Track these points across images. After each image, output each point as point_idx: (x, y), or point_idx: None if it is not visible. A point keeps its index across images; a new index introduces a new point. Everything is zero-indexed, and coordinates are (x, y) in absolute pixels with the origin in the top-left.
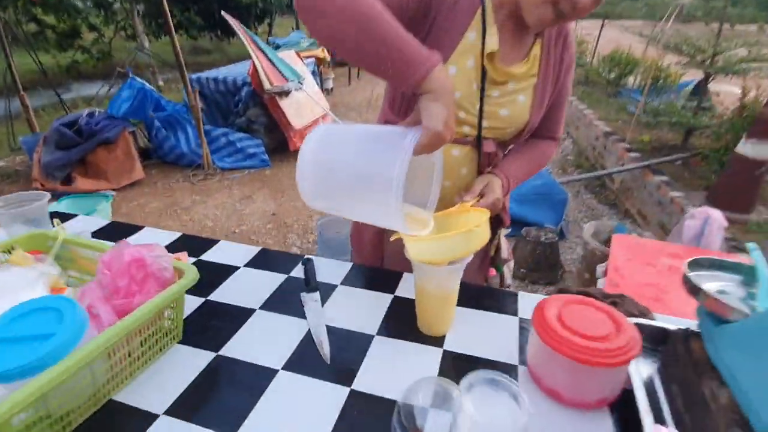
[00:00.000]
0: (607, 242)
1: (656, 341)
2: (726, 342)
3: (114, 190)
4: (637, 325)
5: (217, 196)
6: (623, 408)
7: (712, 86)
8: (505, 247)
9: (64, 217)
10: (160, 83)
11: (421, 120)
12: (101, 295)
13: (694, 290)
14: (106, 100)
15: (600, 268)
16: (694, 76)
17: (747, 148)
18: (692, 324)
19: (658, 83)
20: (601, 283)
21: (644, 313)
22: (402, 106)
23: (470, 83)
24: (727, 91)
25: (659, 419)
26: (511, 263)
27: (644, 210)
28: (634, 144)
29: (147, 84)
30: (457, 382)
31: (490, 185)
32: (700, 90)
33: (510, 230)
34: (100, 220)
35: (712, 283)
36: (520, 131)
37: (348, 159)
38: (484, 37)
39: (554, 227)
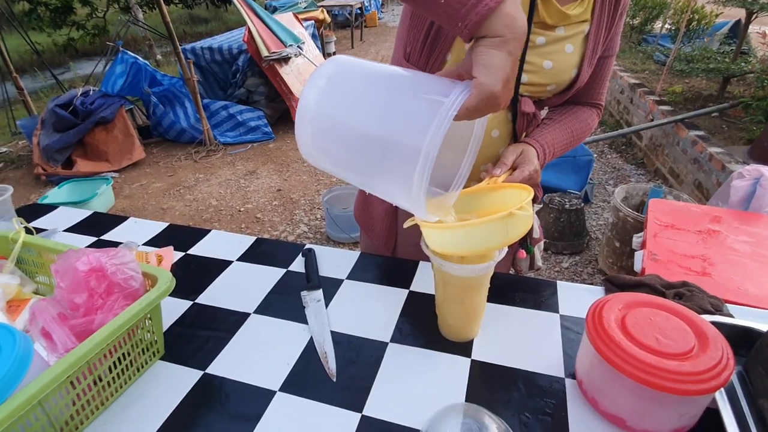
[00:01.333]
0: (638, 207)
1: (736, 342)
2: None
3: (116, 171)
4: (714, 324)
5: (220, 173)
6: (700, 429)
7: (754, 26)
8: (537, 225)
9: (47, 209)
10: (159, 57)
11: (471, 72)
12: (56, 315)
13: None
14: (103, 77)
15: (637, 239)
16: (729, 16)
17: None
18: None
19: (691, 26)
20: (638, 256)
21: (717, 307)
22: (422, 55)
23: None
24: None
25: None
26: (542, 243)
27: (677, 168)
28: (665, 96)
29: (139, 58)
30: (490, 402)
31: (524, 155)
32: (737, 31)
33: (540, 204)
34: (83, 212)
35: None
36: (562, 90)
37: (361, 111)
38: None
39: (578, 192)
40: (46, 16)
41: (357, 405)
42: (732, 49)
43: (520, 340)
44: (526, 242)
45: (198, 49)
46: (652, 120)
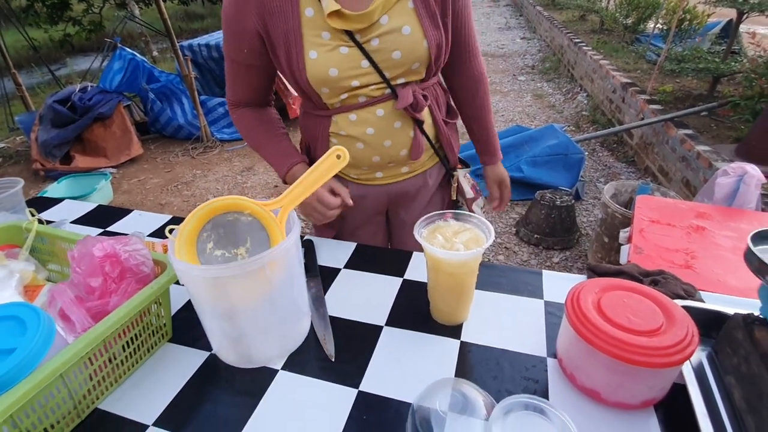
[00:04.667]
0: (627, 204)
1: (707, 325)
2: None
3: (114, 167)
4: (685, 308)
5: (217, 169)
6: (670, 402)
7: (744, 26)
8: (469, 187)
9: (53, 201)
10: (155, 53)
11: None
12: (73, 297)
13: (761, 270)
14: (100, 74)
15: (623, 234)
16: (722, 16)
17: None
18: (748, 304)
19: (682, 26)
20: (624, 250)
21: (690, 293)
22: (306, 98)
23: (337, 51)
24: (763, 32)
25: (713, 416)
26: (480, 200)
27: (666, 167)
28: (656, 95)
29: (137, 54)
30: (477, 379)
31: (502, 182)
32: (729, 31)
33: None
34: (88, 204)
35: None
36: (430, 61)
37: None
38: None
39: (570, 188)
40: (42, 12)
41: (354, 382)
42: (723, 49)
43: (507, 323)
44: (457, 203)
45: (195, 46)
46: (642, 119)
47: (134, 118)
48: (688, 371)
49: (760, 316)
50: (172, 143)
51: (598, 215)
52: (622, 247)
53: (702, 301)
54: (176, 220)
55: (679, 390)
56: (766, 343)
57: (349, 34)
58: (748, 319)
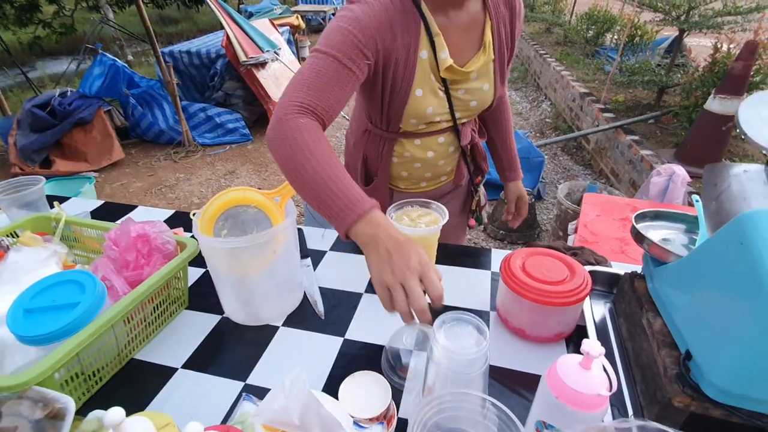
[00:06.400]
0: (579, 201)
1: (610, 285)
2: (662, 280)
3: (95, 171)
4: (593, 271)
5: (200, 173)
6: (577, 340)
7: (688, 42)
8: (483, 195)
9: (55, 200)
10: (129, 58)
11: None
12: (113, 268)
13: (639, 238)
14: (75, 78)
15: (571, 226)
16: (672, 32)
17: (715, 104)
18: (639, 267)
19: (634, 41)
20: (571, 239)
21: (600, 262)
22: (382, 115)
23: (436, 93)
24: (700, 47)
25: (605, 346)
26: (487, 205)
27: (617, 169)
28: (609, 104)
29: (118, 60)
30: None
31: (521, 198)
32: (674, 47)
33: (486, 179)
34: (94, 201)
35: (657, 231)
36: (489, 106)
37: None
38: (434, 51)
39: (531, 189)
40: (11, 14)
41: (340, 332)
42: (669, 62)
43: (462, 288)
44: (476, 213)
45: (176, 53)
46: (597, 126)
47: (115, 123)
48: (588, 314)
49: (641, 273)
50: (153, 148)
51: (555, 213)
52: (569, 236)
53: (610, 266)
54: (179, 214)
55: (583, 330)
56: (641, 289)
57: (444, 81)
58: (633, 275)
